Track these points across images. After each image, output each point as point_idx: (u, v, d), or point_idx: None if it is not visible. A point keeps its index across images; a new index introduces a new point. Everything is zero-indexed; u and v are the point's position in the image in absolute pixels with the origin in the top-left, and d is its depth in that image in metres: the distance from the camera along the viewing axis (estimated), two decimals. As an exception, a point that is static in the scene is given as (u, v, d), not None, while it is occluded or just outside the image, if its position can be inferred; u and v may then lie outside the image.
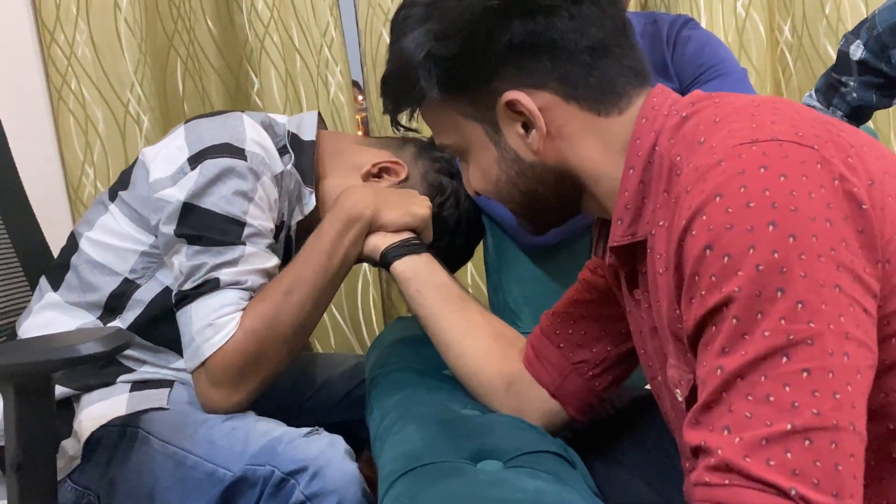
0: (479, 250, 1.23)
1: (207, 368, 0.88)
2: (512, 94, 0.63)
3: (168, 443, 0.89)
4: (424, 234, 0.99)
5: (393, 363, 1.02)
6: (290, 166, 0.99)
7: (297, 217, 1.02)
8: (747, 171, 0.51)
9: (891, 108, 1.41)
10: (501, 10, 0.63)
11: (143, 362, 0.97)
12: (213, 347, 0.87)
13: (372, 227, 0.96)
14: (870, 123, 1.44)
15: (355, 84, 1.69)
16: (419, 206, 0.98)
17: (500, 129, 0.66)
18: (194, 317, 0.88)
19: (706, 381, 0.51)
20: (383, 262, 0.95)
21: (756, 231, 0.49)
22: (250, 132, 0.94)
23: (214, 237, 0.89)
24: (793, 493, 0.46)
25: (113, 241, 0.96)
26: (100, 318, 0.96)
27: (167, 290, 0.95)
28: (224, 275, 0.89)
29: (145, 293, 0.95)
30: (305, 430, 0.87)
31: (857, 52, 1.27)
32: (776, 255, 0.48)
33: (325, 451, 0.84)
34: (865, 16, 1.42)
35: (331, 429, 0.91)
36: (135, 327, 0.96)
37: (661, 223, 0.59)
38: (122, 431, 0.91)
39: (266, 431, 0.87)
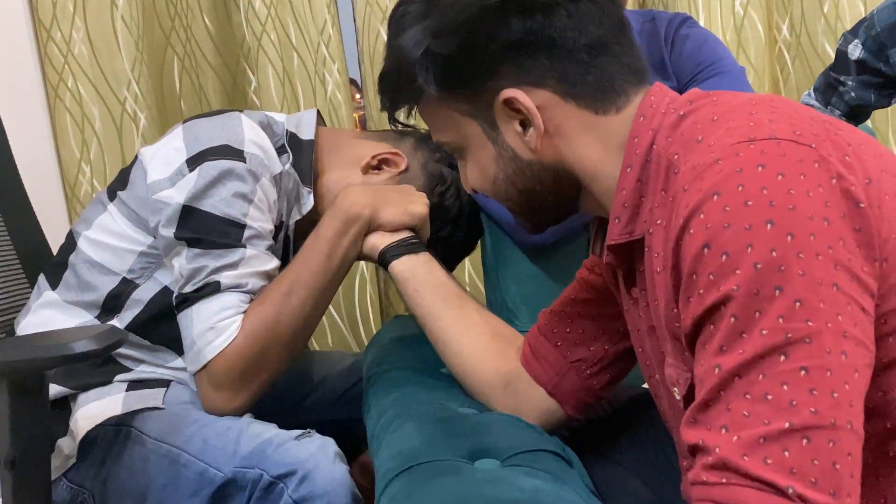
0: (478, 249, 1.23)
1: (209, 372, 0.88)
2: (510, 92, 0.63)
3: (162, 441, 0.89)
4: (422, 232, 0.98)
5: (390, 361, 1.02)
6: (288, 166, 0.99)
7: (296, 217, 1.02)
8: (745, 169, 0.51)
9: (889, 108, 1.41)
10: (500, 8, 0.62)
11: (141, 361, 0.97)
12: (215, 351, 0.87)
13: (370, 227, 0.95)
14: (868, 122, 1.44)
15: (353, 82, 1.69)
16: (417, 205, 0.97)
17: (497, 127, 0.66)
18: (195, 320, 0.88)
19: (704, 379, 0.51)
20: (381, 261, 0.95)
21: (754, 229, 0.49)
22: (249, 133, 0.94)
23: (214, 240, 0.89)
24: (790, 491, 0.46)
25: (111, 241, 0.96)
26: (98, 317, 0.96)
27: (166, 289, 0.95)
28: (225, 278, 0.88)
29: (144, 293, 0.95)
30: (297, 432, 0.87)
31: (855, 51, 1.27)
32: (774, 254, 0.48)
33: (314, 454, 0.83)
34: (864, 15, 1.42)
35: (328, 427, 0.92)
36: (133, 327, 0.95)
37: (658, 222, 0.59)
38: (117, 431, 0.91)
39: (258, 433, 0.87)
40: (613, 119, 0.64)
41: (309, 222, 0.99)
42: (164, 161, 0.92)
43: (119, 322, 0.95)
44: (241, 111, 1.00)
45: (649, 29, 1.26)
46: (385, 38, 0.71)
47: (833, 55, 1.34)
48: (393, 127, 0.97)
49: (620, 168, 0.63)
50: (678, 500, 0.67)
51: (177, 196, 0.89)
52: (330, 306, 1.59)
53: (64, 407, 0.94)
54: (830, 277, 0.48)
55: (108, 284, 0.95)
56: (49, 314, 0.96)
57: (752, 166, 0.50)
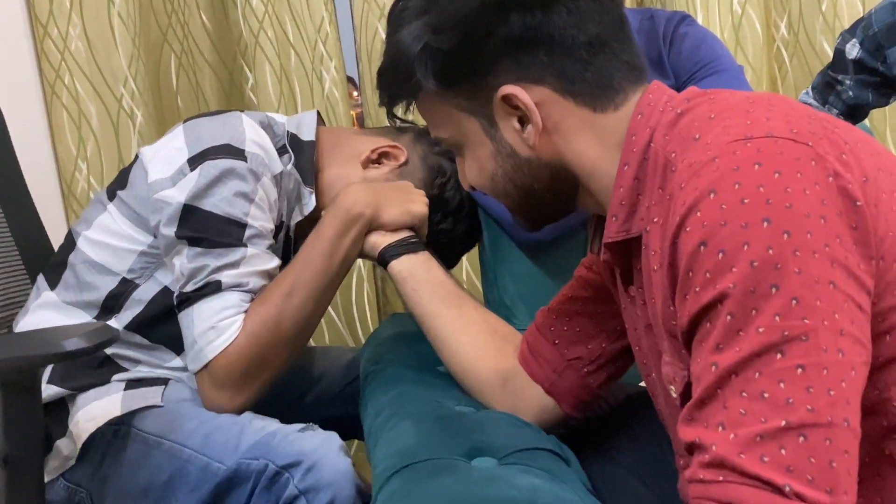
0: (475, 248, 1.22)
1: (210, 371, 0.88)
2: (508, 89, 0.63)
3: (163, 438, 0.89)
4: (422, 231, 0.99)
5: (387, 359, 1.02)
6: (290, 167, 0.99)
7: (297, 217, 1.02)
8: (742, 167, 0.51)
9: (887, 107, 1.41)
10: (499, 4, 0.62)
11: (138, 362, 0.97)
12: (216, 350, 0.87)
13: (371, 226, 0.95)
14: (866, 121, 1.44)
15: (350, 80, 1.69)
16: (417, 204, 0.98)
17: (496, 124, 0.66)
18: (196, 319, 0.88)
19: (700, 377, 0.51)
20: (381, 261, 0.95)
21: (750, 227, 0.49)
22: (250, 133, 0.94)
23: (215, 239, 0.89)
24: (787, 489, 0.46)
25: (111, 241, 0.95)
26: (96, 317, 0.96)
27: (166, 289, 0.94)
28: (226, 277, 0.88)
29: (144, 293, 0.95)
30: (300, 425, 0.87)
31: (853, 50, 1.27)
32: (770, 252, 0.48)
33: (320, 445, 0.84)
34: (862, 14, 1.42)
35: (328, 423, 0.92)
36: (132, 326, 0.95)
37: (655, 220, 0.59)
38: (116, 430, 0.91)
39: (261, 427, 0.87)
40: (612, 117, 0.64)
41: (310, 221, 0.99)
42: (165, 160, 0.92)
43: (117, 322, 0.95)
44: (241, 111, 1.00)
45: (648, 27, 1.26)
46: (383, 35, 0.71)
47: (831, 54, 1.34)
48: (391, 123, 0.98)
49: (618, 166, 0.63)
50: (675, 499, 0.67)
51: (178, 195, 0.89)
52: (327, 304, 1.60)
53: (62, 408, 0.94)
54: (827, 275, 0.48)
55: (107, 284, 0.95)
56: (47, 315, 0.96)
57: (749, 164, 0.50)
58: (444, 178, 1.05)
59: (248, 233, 0.90)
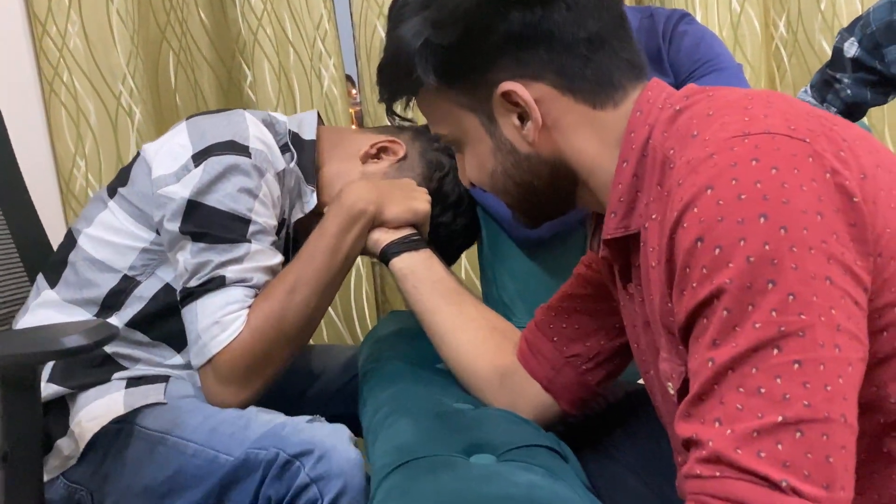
0: (474, 246, 1.22)
1: (214, 366, 0.88)
2: (508, 85, 0.63)
3: (167, 434, 0.89)
4: (423, 228, 0.99)
5: (386, 357, 1.02)
6: (292, 164, 1.00)
7: (298, 215, 1.02)
8: (739, 163, 0.51)
9: (885, 105, 1.41)
10: (500, 1, 0.62)
11: (138, 360, 0.97)
12: (220, 345, 0.87)
13: (374, 223, 0.96)
14: (865, 119, 1.44)
15: (349, 78, 1.69)
16: (420, 202, 0.98)
17: (495, 120, 0.66)
18: (200, 314, 0.88)
19: (697, 373, 0.51)
20: (383, 258, 0.96)
21: (747, 223, 0.49)
22: (253, 129, 0.94)
23: (219, 234, 0.89)
24: (784, 484, 0.46)
25: (112, 238, 0.95)
26: (97, 315, 0.95)
27: (168, 286, 0.95)
28: (230, 272, 0.89)
29: (145, 290, 0.95)
30: (307, 417, 0.88)
31: (851, 49, 1.27)
32: (767, 248, 0.48)
33: (330, 435, 0.84)
34: (860, 12, 1.42)
35: (328, 421, 0.91)
36: (133, 323, 0.95)
37: (653, 216, 0.59)
38: (120, 428, 0.90)
39: (268, 420, 0.87)
40: (611, 114, 0.64)
41: (311, 221, 0.99)
42: (169, 156, 0.92)
43: (118, 319, 0.95)
44: (244, 110, 1.00)
45: (647, 25, 1.26)
46: (382, 33, 0.71)
47: (830, 52, 1.34)
48: (391, 120, 0.98)
49: (617, 163, 0.63)
50: (674, 496, 0.67)
51: (182, 191, 0.89)
52: (326, 302, 1.60)
53: (62, 407, 0.94)
54: (824, 271, 0.48)
55: (108, 282, 0.95)
56: (47, 313, 0.96)
57: (746, 160, 0.50)
58: (443, 173, 1.05)
59: (251, 229, 0.90)
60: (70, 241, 0.99)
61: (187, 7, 1.58)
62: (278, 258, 0.94)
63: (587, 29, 0.62)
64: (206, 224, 0.89)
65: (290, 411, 0.92)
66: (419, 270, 0.93)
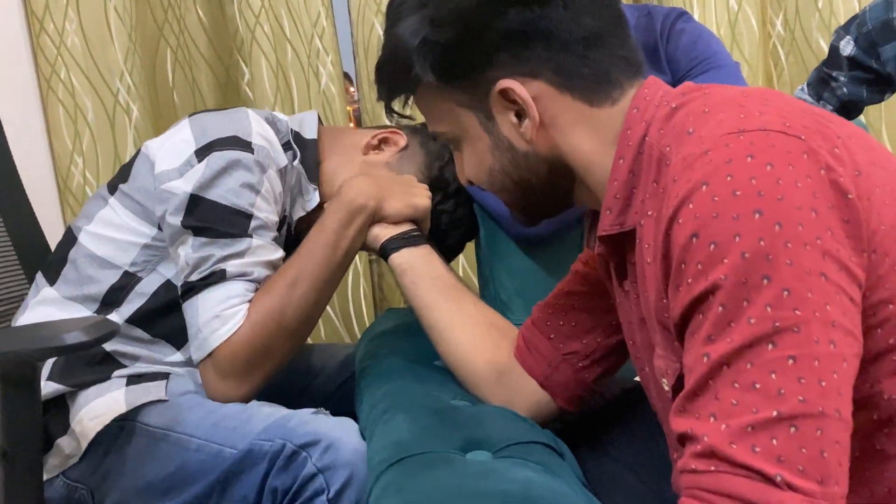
0: (472, 243, 1.23)
1: (214, 360, 0.88)
2: (506, 83, 0.63)
3: (169, 430, 0.89)
4: (423, 224, 0.99)
5: (383, 354, 1.02)
6: (295, 162, 1.00)
7: (299, 213, 1.02)
8: (734, 160, 0.51)
9: (882, 103, 1.41)
10: None
11: (138, 357, 0.96)
12: (220, 339, 0.87)
13: (374, 218, 0.96)
14: (862, 117, 1.45)
15: (347, 76, 1.69)
16: (420, 198, 0.98)
17: (493, 118, 0.66)
18: (201, 308, 0.88)
19: (692, 368, 0.51)
20: (382, 253, 0.96)
21: (742, 219, 0.49)
22: (256, 126, 0.95)
23: (221, 229, 0.89)
24: (778, 479, 0.47)
25: (113, 234, 0.95)
26: (97, 311, 0.95)
27: (169, 283, 0.95)
28: (231, 266, 0.89)
29: (146, 286, 0.95)
30: (312, 410, 0.88)
31: (847, 48, 1.27)
32: (762, 243, 0.48)
33: (337, 426, 0.84)
34: (857, 10, 1.42)
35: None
36: (133, 320, 0.95)
37: (649, 213, 0.59)
38: (121, 426, 0.90)
39: (272, 412, 0.87)
40: (608, 111, 0.64)
41: (312, 218, 0.99)
42: (172, 152, 0.93)
43: (118, 316, 0.95)
44: (246, 108, 1.01)
45: (645, 23, 1.26)
46: (380, 31, 0.71)
47: (827, 50, 1.34)
48: (389, 118, 0.98)
49: (613, 160, 0.63)
50: (670, 493, 0.67)
51: (184, 185, 0.90)
52: (323, 300, 1.60)
53: (61, 406, 0.93)
54: (818, 267, 0.49)
55: (109, 278, 0.95)
56: (46, 310, 0.95)
57: (742, 157, 0.51)
58: (444, 161, 1.05)
59: (253, 224, 0.90)
60: (70, 238, 0.99)
61: (185, 4, 1.58)
62: (279, 253, 0.94)
63: (585, 27, 0.63)
64: (208, 218, 0.89)
65: (290, 409, 0.92)
66: (418, 266, 0.93)
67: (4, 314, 1.06)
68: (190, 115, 0.99)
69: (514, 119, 0.65)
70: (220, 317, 0.87)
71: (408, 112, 0.77)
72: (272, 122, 1.01)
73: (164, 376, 0.95)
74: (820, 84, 1.34)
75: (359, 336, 1.53)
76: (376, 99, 0.73)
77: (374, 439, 0.79)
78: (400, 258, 0.94)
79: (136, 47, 1.51)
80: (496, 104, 0.65)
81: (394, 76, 0.69)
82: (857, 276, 0.51)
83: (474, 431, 0.76)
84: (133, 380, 0.94)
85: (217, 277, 0.88)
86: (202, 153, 0.90)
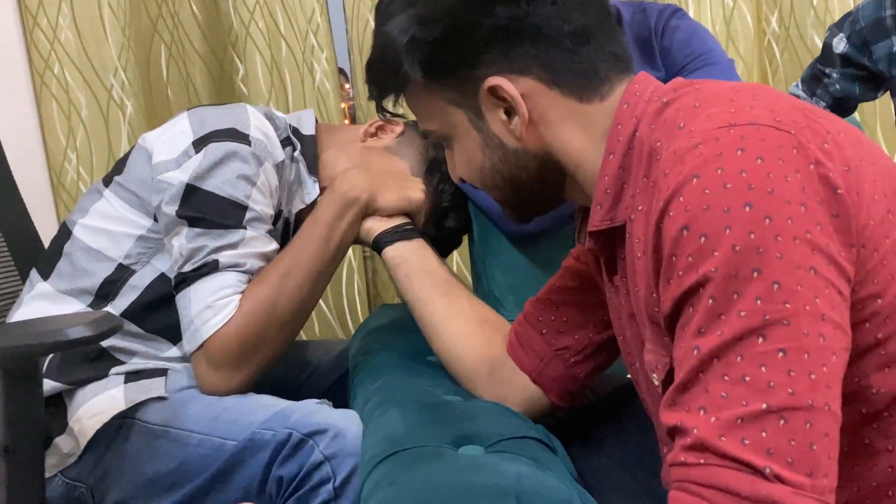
0: (465, 241, 1.23)
1: (206, 351, 0.88)
2: (494, 80, 0.63)
3: (168, 427, 0.89)
4: (417, 217, 0.99)
5: (377, 349, 1.02)
6: (297, 153, 1.01)
7: (299, 206, 1.02)
8: (724, 153, 0.51)
9: (876, 101, 1.42)
10: None
11: (134, 353, 0.96)
12: (212, 329, 0.87)
13: (367, 211, 0.96)
14: (856, 115, 1.45)
15: (342, 72, 1.69)
16: (414, 191, 0.98)
17: (483, 116, 0.66)
18: (193, 299, 0.88)
19: (683, 361, 0.51)
20: (375, 247, 0.96)
21: (732, 212, 0.49)
22: (254, 120, 0.95)
23: (216, 220, 0.89)
24: (767, 471, 0.47)
25: (108, 226, 0.95)
26: (91, 305, 0.95)
27: (163, 276, 0.94)
28: (223, 257, 0.89)
29: (140, 279, 0.95)
30: (315, 400, 0.88)
31: (839, 45, 1.28)
32: (752, 236, 0.49)
33: (342, 417, 0.85)
34: (852, 8, 1.42)
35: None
36: (128, 314, 0.95)
37: (640, 208, 0.59)
38: (120, 424, 0.90)
39: (274, 403, 0.88)
40: (597, 107, 0.64)
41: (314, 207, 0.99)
42: (170, 143, 0.93)
43: (113, 309, 0.95)
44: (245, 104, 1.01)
45: (639, 19, 1.26)
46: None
47: (821, 48, 1.35)
48: (381, 116, 0.98)
49: (603, 155, 0.63)
50: (661, 489, 0.67)
51: (181, 175, 0.90)
52: (317, 295, 1.59)
53: (59, 404, 0.93)
54: (808, 261, 0.49)
55: (103, 271, 0.95)
56: (41, 305, 0.95)
57: (732, 150, 0.51)
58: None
59: (248, 215, 0.90)
60: (64, 232, 0.98)
61: (179, 0, 1.57)
62: (273, 245, 0.94)
63: (573, 23, 0.63)
64: (203, 209, 0.89)
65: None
66: (412, 260, 0.93)
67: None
68: (189, 109, 0.99)
69: (504, 116, 0.65)
70: (212, 307, 0.87)
71: (399, 111, 0.77)
72: (270, 118, 1.01)
73: (163, 372, 0.95)
74: (813, 81, 1.34)
75: (353, 332, 1.54)
76: (367, 98, 0.73)
77: (368, 434, 0.79)
78: (393, 252, 0.94)
79: (130, 43, 1.50)
80: (485, 102, 0.65)
81: (383, 75, 0.69)
82: (846, 270, 0.51)
83: (467, 426, 0.76)
84: (131, 377, 0.94)
85: (210, 268, 0.88)
86: (200, 144, 0.91)
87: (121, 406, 0.90)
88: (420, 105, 0.70)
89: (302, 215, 1.02)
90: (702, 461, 0.49)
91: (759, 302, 0.48)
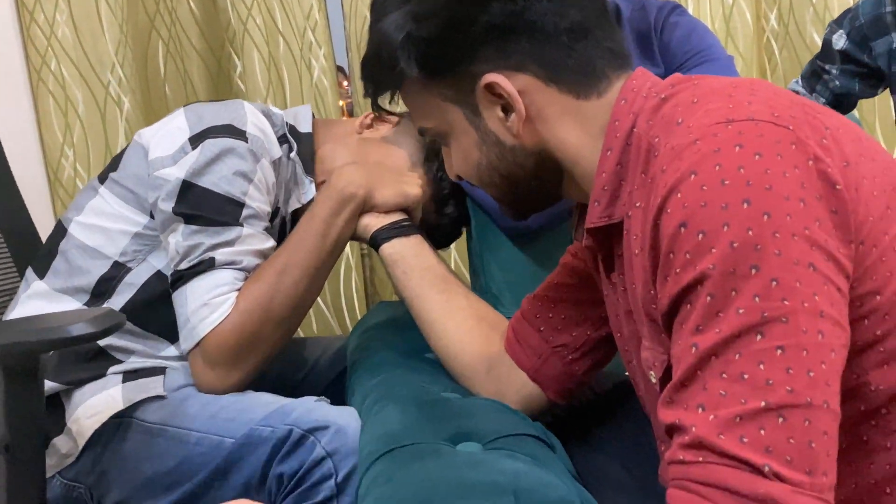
0: (463, 236, 1.22)
1: (203, 349, 0.88)
2: (491, 77, 0.63)
3: (166, 425, 0.88)
4: (415, 213, 0.99)
5: (375, 346, 1.02)
6: (293, 154, 1.00)
7: (295, 205, 1.02)
8: (723, 149, 0.51)
9: (876, 97, 1.42)
10: None
11: (132, 352, 0.96)
12: (209, 327, 0.87)
13: (364, 207, 0.96)
14: (855, 112, 1.45)
15: (340, 69, 1.68)
16: (411, 186, 0.98)
17: (480, 113, 0.66)
18: (190, 297, 0.88)
19: (681, 359, 0.51)
20: (373, 243, 0.96)
21: (731, 208, 0.49)
22: (251, 117, 0.95)
23: (212, 217, 0.89)
24: (766, 469, 0.46)
25: (104, 223, 0.95)
26: (87, 303, 0.95)
27: (160, 273, 0.94)
28: (220, 255, 0.88)
29: (136, 277, 0.95)
30: (314, 398, 0.88)
31: (839, 41, 1.28)
32: (750, 233, 0.48)
33: (342, 414, 0.84)
34: (851, 4, 1.42)
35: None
36: (125, 312, 0.94)
37: (638, 204, 0.59)
38: (118, 423, 0.90)
39: (272, 400, 0.87)
40: (595, 103, 0.64)
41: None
42: (167, 139, 0.92)
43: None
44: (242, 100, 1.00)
45: (638, 16, 1.26)
46: (373, 24, 0.71)
47: (820, 44, 1.35)
48: (377, 114, 0.98)
49: (601, 152, 0.63)
50: (658, 486, 0.67)
51: (177, 172, 0.89)
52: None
53: (57, 405, 0.92)
54: (806, 257, 0.48)
55: (99, 269, 0.94)
56: (37, 304, 0.95)
57: (730, 146, 0.50)
58: None
59: (245, 212, 0.90)
60: (60, 230, 0.98)
61: (176, -4, 1.57)
62: (270, 243, 0.94)
63: (569, 19, 0.62)
64: (200, 206, 0.89)
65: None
66: (409, 257, 0.93)
67: (-4, 308, 1.05)
68: (185, 106, 0.98)
69: (501, 113, 0.65)
70: (209, 305, 0.87)
71: (396, 109, 0.76)
72: (268, 115, 1.00)
73: (161, 371, 0.95)
74: (813, 77, 1.34)
75: (350, 329, 1.53)
76: (363, 95, 0.73)
77: (365, 430, 0.79)
78: (391, 248, 0.94)
79: (127, 39, 1.50)
80: (482, 98, 0.65)
81: (379, 72, 0.69)
82: (845, 266, 0.50)
83: (465, 423, 0.76)
84: (129, 376, 0.94)
85: (206, 266, 0.88)
86: (196, 140, 0.90)
87: (119, 405, 0.90)
88: (416, 102, 0.70)
89: (298, 214, 1.02)
90: (700, 459, 0.48)
91: (757, 299, 0.48)
